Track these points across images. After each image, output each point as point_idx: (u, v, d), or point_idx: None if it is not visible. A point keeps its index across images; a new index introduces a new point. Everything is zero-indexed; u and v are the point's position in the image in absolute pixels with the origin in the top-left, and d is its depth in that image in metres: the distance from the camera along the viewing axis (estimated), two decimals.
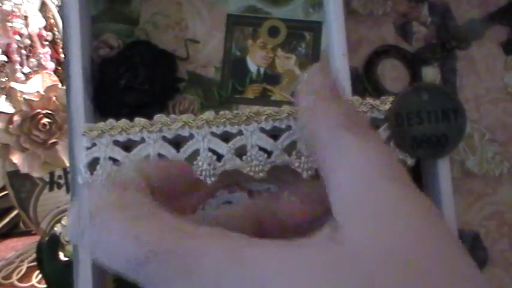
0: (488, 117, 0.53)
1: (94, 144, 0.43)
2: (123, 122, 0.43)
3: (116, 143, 0.43)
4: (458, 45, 0.54)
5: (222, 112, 0.43)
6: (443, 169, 0.43)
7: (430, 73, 0.53)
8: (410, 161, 0.43)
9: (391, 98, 0.42)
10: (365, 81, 0.53)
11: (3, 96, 0.73)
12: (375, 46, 0.53)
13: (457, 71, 0.54)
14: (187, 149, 0.43)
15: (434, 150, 0.42)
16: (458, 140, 0.42)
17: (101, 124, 0.43)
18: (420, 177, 0.47)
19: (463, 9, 0.54)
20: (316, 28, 0.51)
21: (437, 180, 0.43)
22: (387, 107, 0.42)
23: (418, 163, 0.45)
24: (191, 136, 0.43)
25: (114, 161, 0.43)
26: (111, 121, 0.43)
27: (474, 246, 0.52)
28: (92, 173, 0.43)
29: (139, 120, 0.43)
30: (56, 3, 0.80)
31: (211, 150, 0.42)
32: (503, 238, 0.53)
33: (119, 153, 0.43)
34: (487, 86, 0.54)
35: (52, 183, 0.77)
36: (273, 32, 0.51)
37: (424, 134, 0.42)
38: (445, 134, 0.41)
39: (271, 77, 0.51)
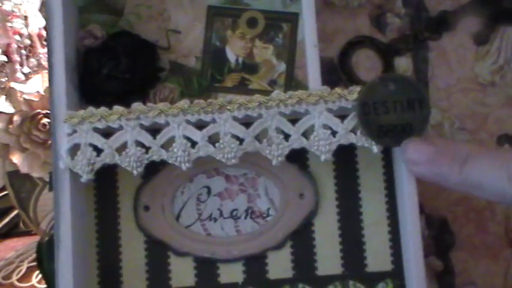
0: (459, 107, 0.55)
1: (75, 131, 0.45)
2: (102, 109, 0.45)
3: (96, 129, 0.45)
4: (431, 36, 0.55)
5: (196, 101, 0.45)
6: None
7: (403, 63, 0.55)
8: (376, 149, 0.45)
9: (358, 88, 0.44)
10: (339, 71, 0.54)
11: (3, 96, 0.73)
12: (350, 37, 0.55)
13: (429, 61, 0.55)
14: (163, 136, 0.45)
15: (399, 138, 0.43)
16: (422, 129, 0.44)
17: (81, 112, 0.45)
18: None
19: (436, 0, 0.55)
20: (293, 19, 0.53)
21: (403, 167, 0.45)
22: (355, 96, 0.44)
23: (390, 150, 0.47)
24: (167, 124, 0.45)
25: (94, 147, 0.45)
26: (91, 109, 0.45)
27: (442, 230, 0.54)
28: (72, 158, 0.45)
29: (117, 108, 0.45)
30: None
31: (186, 137, 0.45)
32: (470, 223, 0.54)
33: (98, 140, 0.45)
34: (458, 76, 0.55)
35: (52, 183, 0.77)
36: (252, 23, 0.53)
37: (389, 123, 0.43)
38: (410, 123, 0.43)
39: (250, 67, 0.53)
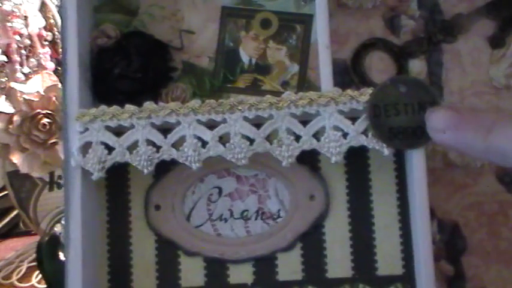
0: None
1: (87, 129, 0.46)
2: (114, 108, 0.45)
3: (107, 128, 0.46)
4: (445, 39, 0.55)
5: (207, 101, 0.45)
6: (418, 160, 0.44)
7: (417, 66, 0.54)
8: (387, 151, 0.44)
9: (370, 90, 0.44)
10: (352, 73, 0.54)
11: (3, 96, 0.73)
12: (363, 39, 0.54)
13: (443, 64, 0.55)
14: (174, 135, 0.45)
15: (409, 141, 0.43)
16: None
17: (93, 110, 0.45)
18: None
19: (451, 3, 0.55)
20: (307, 21, 0.53)
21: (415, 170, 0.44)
22: (366, 98, 0.44)
23: (402, 153, 0.47)
24: (178, 123, 0.45)
25: (105, 145, 0.45)
26: (103, 107, 0.45)
27: (453, 235, 0.54)
28: (84, 156, 0.45)
29: (129, 107, 0.45)
30: (56, 3, 0.82)
31: (196, 137, 0.45)
32: (482, 228, 0.54)
33: (109, 138, 0.45)
34: (472, 79, 0.55)
35: (52, 183, 0.78)
36: (265, 24, 0.53)
37: (400, 125, 0.43)
38: (421, 126, 0.43)
39: (262, 68, 0.53)
